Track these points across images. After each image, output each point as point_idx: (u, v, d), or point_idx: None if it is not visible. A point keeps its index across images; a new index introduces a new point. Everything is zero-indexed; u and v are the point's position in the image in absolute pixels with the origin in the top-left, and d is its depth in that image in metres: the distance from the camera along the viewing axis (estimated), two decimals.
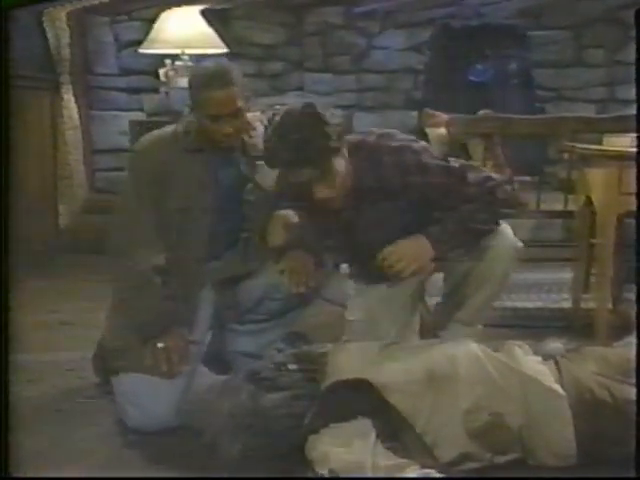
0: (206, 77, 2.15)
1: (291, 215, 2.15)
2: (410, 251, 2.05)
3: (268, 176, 2.20)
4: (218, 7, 4.66)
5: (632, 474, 1.36)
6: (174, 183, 2.18)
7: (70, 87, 4.62)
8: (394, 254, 2.04)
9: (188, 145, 2.21)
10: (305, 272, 2.16)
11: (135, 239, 2.17)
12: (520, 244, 2.20)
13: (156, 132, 2.30)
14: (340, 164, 2.02)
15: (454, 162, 2.16)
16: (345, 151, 2.04)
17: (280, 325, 2.34)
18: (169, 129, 2.29)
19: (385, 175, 2.09)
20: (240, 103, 2.15)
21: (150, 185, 2.18)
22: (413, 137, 2.20)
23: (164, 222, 2.18)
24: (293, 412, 1.80)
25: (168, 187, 2.18)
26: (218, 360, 2.39)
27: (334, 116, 2.01)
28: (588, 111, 4.94)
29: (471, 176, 2.13)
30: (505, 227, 2.19)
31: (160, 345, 2.08)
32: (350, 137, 2.11)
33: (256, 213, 2.24)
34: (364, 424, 1.76)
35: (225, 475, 1.80)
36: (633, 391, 1.52)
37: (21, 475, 1.58)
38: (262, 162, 2.13)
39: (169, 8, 4.48)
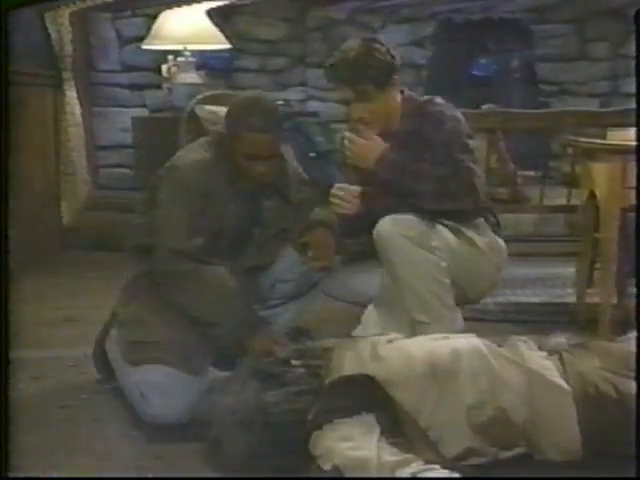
0: (249, 116, 2.16)
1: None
2: (363, 142, 2.27)
3: (291, 180, 2.35)
4: (221, 4, 4.66)
5: (634, 467, 1.36)
6: (213, 209, 2.20)
7: (72, 83, 4.62)
8: (352, 140, 2.28)
9: (222, 174, 2.21)
10: (329, 247, 2.27)
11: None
12: (413, 232, 2.16)
13: (190, 156, 2.27)
14: (395, 98, 2.31)
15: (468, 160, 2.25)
16: (398, 92, 2.32)
17: (292, 309, 2.39)
18: (201, 153, 2.25)
19: (420, 123, 2.27)
20: (277, 147, 2.21)
21: (195, 214, 2.18)
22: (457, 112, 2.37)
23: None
24: (297, 408, 1.80)
25: (208, 212, 2.19)
26: (224, 356, 2.40)
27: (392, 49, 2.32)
28: (592, 105, 4.93)
29: (455, 154, 2.22)
30: (389, 218, 2.18)
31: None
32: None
33: (276, 219, 2.32)
34: (368, 419, 1.76)
35: (230, 473, 1.80)
36: (636, 385, 1.51)
37: (24, 473, 1.58)
38: (286, 167, 2.30)
39: (171, 8, 4.48)
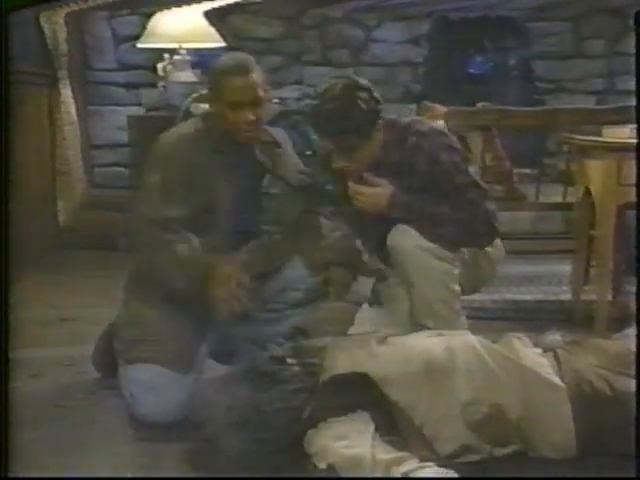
0: (226, 66, 2.19)
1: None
2: (370, 191, 2.21)
3: (289, 166, 2.31)
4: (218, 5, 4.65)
5: (632, 466, 1.36)
6: (197, 183, 2.18)
7: (68, 82, 4.60)
8: (358, 192, 2.22)
9: (211, 145, 2.21)
10: (347, 286, 2.29)
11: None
12: (429, 244, 2.16)
13: (177, 130, 2.29)
14: (378, 138, 2.21)
15: (472, 174, 2.25)
16: (381, 124, 2.22)
17: (300, 314, 2.39)
18: (189, 127, 2.27)
19: (406, 153, 2.20)
20: (260, 92, 2.18)
21: (175, 185, 2.17)
22: (443, 128, 2.33)
23: (193, 216, 2.17)
24: (292, 406, 1.80)
25: (192, 187, 2.18)
26: (223, 350, 2.40)
27: (375, 91, 2.20)
28: (588, 103, 4.93)
29: (469, 195, 2.21)
30: (402, 227, 2.18)
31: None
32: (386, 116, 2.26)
33: (282, 207, 2.30)
34: (363, 417, 1.76)
35: (225, 471, 1.80)
36: (632, 383, 1.52)
37: (22, 472, 1.58)
38: (281, 152, 2.23)
39: (169, 8, 4.47)
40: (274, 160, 2.30)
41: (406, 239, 2.17)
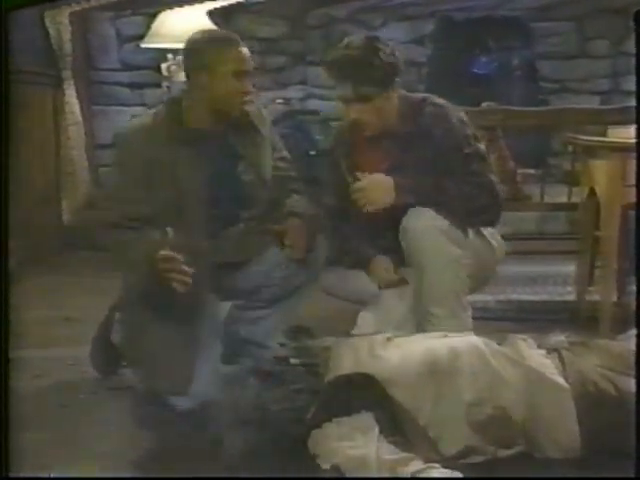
0: (222, 37, 2.21)
1: (388, 261, 2.33)
2: (371, 186, 2.22)
3: (265, 152, 2.29)
4: (221, 5, 4.65)
5: (633, 467, 1.35)
6: (160, 178, 2.14)
7: (72, 82, 4.60)
8: (358, 190, 2.22)
9: (175, 135, 2.16)
10: (302, 238, 2.23)
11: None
12: (445, 223, 2.16)
13: (135, 123, 2.29)
14: (394, 100, 2.28)
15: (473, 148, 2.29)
16: (396, 93, 2.29)
17: (277, 314, 2.36)
18: (148, 119, 2.24)
19: (424, 121, 2.26)
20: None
21: (133, 182, 2.15)
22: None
23: (158, 210, 2.13)
24: (295, 406, 1.80)
25: (153, 183, 2.14)
26: (229, 350, 2.40)
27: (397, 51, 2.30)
28: (592, 103, 4.93)
29: (475, 167, 2.26)
30: (418, 209, 2.18)
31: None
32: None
33: (255, 193, 2.26)
34: (367, 418, 1.76)
35: (228, 471, 1.80)
36: (635, 383, 1.51)
37: (23, 472, 1.58)
38: (257, 137, 2.23)
39: (172, 8, 4.47)
40: (248, 147, 2.27)
41: (421, 220, 2.17)
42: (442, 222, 2.17)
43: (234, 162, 2.27)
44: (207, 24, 4.49)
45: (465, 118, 2.32)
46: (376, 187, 2.22)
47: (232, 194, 2.25)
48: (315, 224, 2.28)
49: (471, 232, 2.28)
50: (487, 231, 2.35)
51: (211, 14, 4.53)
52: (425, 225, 2.16)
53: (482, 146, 2.32)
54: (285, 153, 2.43)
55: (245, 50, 2.19)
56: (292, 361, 1.88)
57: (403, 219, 2.20)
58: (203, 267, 2.13)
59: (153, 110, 2.29)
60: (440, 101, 2.34)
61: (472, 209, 2.24)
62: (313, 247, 2.25)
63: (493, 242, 2.36)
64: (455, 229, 2.19)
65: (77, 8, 4.44)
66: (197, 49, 2.20)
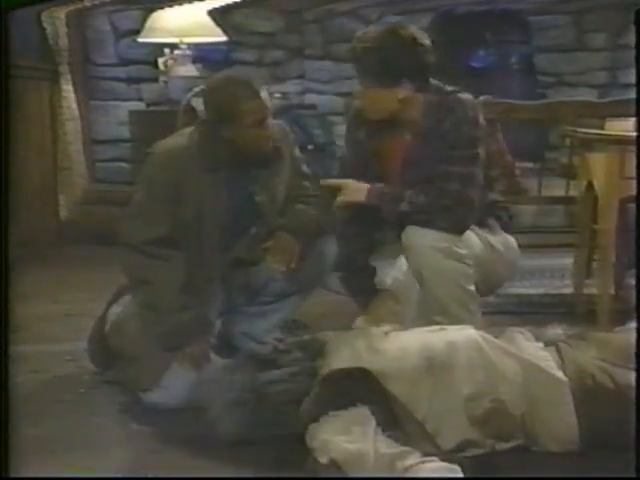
0: (243, 86, 2.19)
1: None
2: (349, 185, 2.26)
3: (281, 176, 2.34)
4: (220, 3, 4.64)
5: (633, 460, 1.35)
6: (184, 199, 2.21)
7: (69, 77, 4.60)
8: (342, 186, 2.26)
9: (204, 162, 2.21)
10: (288, 252, 2.27)
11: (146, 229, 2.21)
12: (443, 244, 2.15)
13: (170, 143, 2.29)
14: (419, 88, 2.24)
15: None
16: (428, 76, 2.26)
17: (283, 308, 2.42)
18: (183, 140, 2.27)
19: (439, 118, 2.22)
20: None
21: (159, 203, 2.20)
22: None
23: (177, 227, 2.21)
24: (291, 388, 1.81)
25: (181, 200, 2.20)
26: (226, 345, 2.42)
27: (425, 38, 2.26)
28: (590, 96, 4.91)
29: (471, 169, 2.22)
30: (416, 228, 2.17)
31: (187, 350, 2.15)
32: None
33: (268, 212, 2.33)
34: (364, 412, 1.76)
35: (225, 456, 1.80)
36: (634, 376, 1.51)
37: (23, 469, 1.58)
38: (278, 166, 2.30)
39: (171, 6, 4.47)
40: (265, 170, 2.30)
41: (421, 239, 2.16)
42: (439, 241, 2.15)
43: (248, 183, 2.31)
44: (204, 19, 4.48)
45: (481, 120, 2.26)
46: (352, 186, 2.25)
47: (244, 213, 2.30)
48: (307, 235, 2.32)
49: (475, 242, 2.26)
50: (495, 238, 2.32)
51: (209, 9, 4.52)
52: (421, 245, 2.16)
53: (481, 152, 2.25)
54: (305, 169, 2.47)
55: (264, 95, 2.20)
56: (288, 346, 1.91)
57: (402, 234, 2.20)
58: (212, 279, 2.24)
59: (187, 130, 2.32)
60: (463, 96, 2.28)
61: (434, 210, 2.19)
62: (302, 257, 2.29)
63: (499, 247, 2.33)
64: (455, 244, 2.17)
65: (72, 8, 4.44)
66: (217, 102, 2.21)
